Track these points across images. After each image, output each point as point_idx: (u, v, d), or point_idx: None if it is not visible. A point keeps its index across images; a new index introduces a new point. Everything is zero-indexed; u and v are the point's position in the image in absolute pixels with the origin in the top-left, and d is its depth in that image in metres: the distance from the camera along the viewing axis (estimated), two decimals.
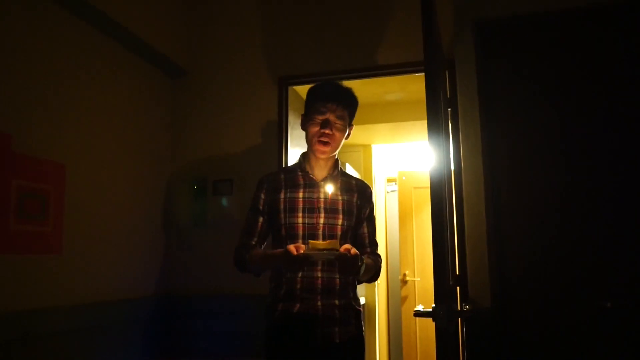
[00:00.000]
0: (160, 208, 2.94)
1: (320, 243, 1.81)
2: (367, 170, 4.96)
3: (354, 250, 1.80)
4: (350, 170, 4.24)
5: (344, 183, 2.13)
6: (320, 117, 2.02)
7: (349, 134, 2.13)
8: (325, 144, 2.03)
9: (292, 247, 1.79)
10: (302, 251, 1.78)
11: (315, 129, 2.03)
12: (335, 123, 2.03)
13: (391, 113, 4.24)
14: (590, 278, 2.21)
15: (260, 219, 2.09)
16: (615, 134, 2.28)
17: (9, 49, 2.02)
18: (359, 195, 2.13)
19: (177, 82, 3.11)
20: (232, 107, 3.02)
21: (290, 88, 2.96)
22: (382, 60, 2.82)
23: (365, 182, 2.24)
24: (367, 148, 5.02)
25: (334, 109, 2.02)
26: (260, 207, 2.09)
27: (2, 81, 1.98)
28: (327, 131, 2.01)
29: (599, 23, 2.38)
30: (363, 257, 1.94)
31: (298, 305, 1.95)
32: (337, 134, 2.04)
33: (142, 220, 2.79)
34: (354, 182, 2.17)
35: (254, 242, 2.07)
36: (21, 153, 2.03)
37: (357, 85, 3.65)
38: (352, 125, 2.14)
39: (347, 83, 3.13)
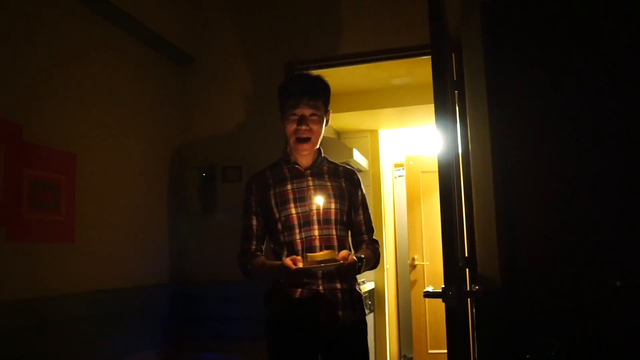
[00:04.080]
0: (170, 195, 2.97)
1: (317, 255, 1.82)
2: (375, 155, 4.96)
3: (351, 257, 1.83)
4: (357, 156, 4.25)
5: (330, 170, 2.15)
6: (295, 117, 2.04)
7: (327, 120, 2.13)
8: (305, 140, 2.05)
9: (288, 261, 1.80)
10: (300, 264, 1.80)
11: (292, 127, 2.04)
12: (312, 116, 2.04)
13: (398, 97, 4.23)
14: (599, 257, 2.22)
15: (255, 222, 2.10)
16: (626, 114, 2.27)
17: (18, 40, 2.03)
18: (346, 181, 2.14)
19: (185, 70, 3.11)
20: (240, 94, 3.03)
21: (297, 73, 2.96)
22: (389, 44, 2.81)
23: (352, 168, 2.26)
24: (374, 133, 5.02)
25: (306, 103, 2.02)
26: (253, 209, 2.10)
27: (12, 72, 1.99)
28: (303, 127, 2.03)
29: (610, 7, 2.35)
30: (360, 255, 1.95)
31: (300, 290, 1.97)
32: (315, 127, 2.05)
33: (152, 208, 2.82)
34: (340, 168, 2.20)
35: (253, 248, 2.08)
36: (32, 143, 2.06)
37: (363, 70, 3.68)
38: (330, 110, 2.15)
39: (354, 67, 3.16)
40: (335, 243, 2.02)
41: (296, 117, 2.03)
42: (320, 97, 2.06)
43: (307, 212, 2.02)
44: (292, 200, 2.03)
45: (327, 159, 2.20)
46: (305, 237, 2.01)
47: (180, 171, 3.04)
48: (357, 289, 2.08)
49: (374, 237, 2.17)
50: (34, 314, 2.01)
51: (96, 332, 2.32)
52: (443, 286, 1.60)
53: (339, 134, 4.99)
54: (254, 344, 2.66)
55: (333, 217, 2.04)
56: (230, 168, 2.96)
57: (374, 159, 4.93)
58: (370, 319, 4.31)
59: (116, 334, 2.44)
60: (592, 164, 2.28)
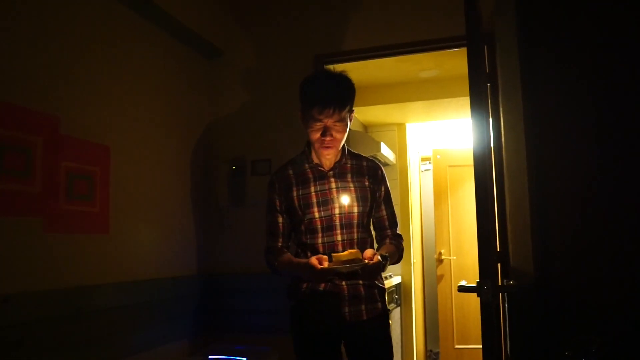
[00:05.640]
0: (201, 188, 2.99)
1: (342, 255, 1.82)
2: (402, 149, 4.92)
3: (376, 257, 1.83)
4: (385, 149, 4.23)
5: (353, 167, 2.11)
6: (319, 125, 1.98)
7: (351, 120, 2.06)
8: (329, 147, 2.01)
9: (314, 261, 1.80)
10: (325, 264, 1.80)
11: (316, 135, 2.00)
12: (335, 126, 1.98)
13: (426, 91, 4.18)
14: (637, 250, 2.17)
15: (280, 219, 2.09)
16: None
17: (55, 36, 2.06)
18: (370, 178, 2.10)
19: (214, 63, 3.13)
20: (269, 87, 3.03)
21: (326, 66, 2.95)
22: (418, 36, 2.78)
23: (376, 162, 2.20)
24: (401, 127, 4.98)
25: (330, 114, 1.95)
26: (278, 207, 2.09)
27: (49, 67, 2.03)
28: (328, 138, 1.98)
29: None
30: (384, 253, 1.94)
31: (323, 284, 1.98)
32: (339, 135, 2.00)
33: (183, 201, 2.85)
34: (364, 163, 2.14)
35: (280, 244, 2.08)
36: (69, 136, 2.09)
37: (391, 63, 3.65)
38: (353, 110, 2.06)
39: (383, 60, 3.14)
40: (357, 247, 2.00)
41: (320, 126, 1.98)
42: (347, 105, 1.99)
43: (330, 216, 2.01)
44: (315, 204, 2.02)
45: (351, 154, 2.15)
46: (328, 242, 2.01)
47: (210, 164, 3.06)
48: (379, 283, 2.08)
49: (397, 232, 2.16)
50: (69, 304, 2.04)
51: (128, 321, 2.36)
52: (478, 280, 1.58)
53: (366, 127, 4.97)
54: (282, 337, 2.67)
55: (355, 221, 2.03)
56: (260, 161, 2.97)
57: (401, 152, 4.90)
58: (396, 313, 4.29)
59: (147, 324, 2.48)
60: (628, 157, 2.23)
